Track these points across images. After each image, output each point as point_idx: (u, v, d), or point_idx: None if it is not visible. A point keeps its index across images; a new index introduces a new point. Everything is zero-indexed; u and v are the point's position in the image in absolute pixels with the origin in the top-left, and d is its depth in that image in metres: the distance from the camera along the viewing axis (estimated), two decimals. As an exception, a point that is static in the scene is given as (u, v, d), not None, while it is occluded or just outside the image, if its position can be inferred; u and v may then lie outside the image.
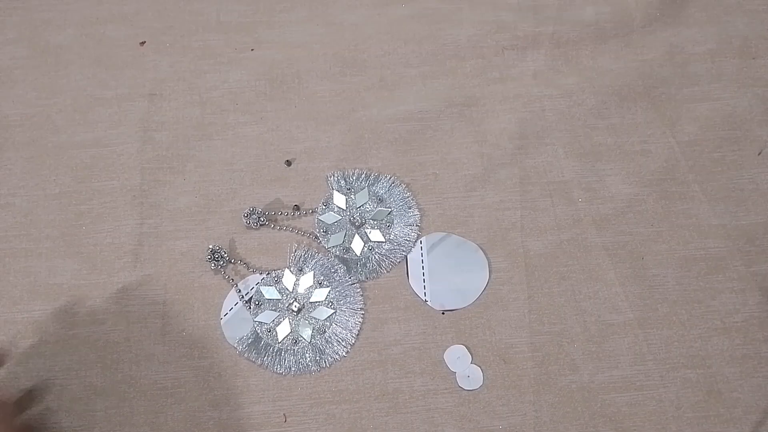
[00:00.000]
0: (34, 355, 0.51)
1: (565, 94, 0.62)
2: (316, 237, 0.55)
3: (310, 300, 0.52)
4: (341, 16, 0.67)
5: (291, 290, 0.52)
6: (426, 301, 0.52)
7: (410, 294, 0.53)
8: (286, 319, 0.52)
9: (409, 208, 0.56)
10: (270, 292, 0.52)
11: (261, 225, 0.55)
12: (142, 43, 0.65)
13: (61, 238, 0.55)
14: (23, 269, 0.54)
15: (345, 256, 0.54)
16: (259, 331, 0.51)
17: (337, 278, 0.53)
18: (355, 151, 0.59)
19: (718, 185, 0.57)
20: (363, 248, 0.54)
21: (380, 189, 0.57)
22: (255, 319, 0.51)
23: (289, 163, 0.58)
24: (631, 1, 0.67)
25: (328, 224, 0.55)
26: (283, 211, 0.56)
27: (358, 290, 0.53)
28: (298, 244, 0.54)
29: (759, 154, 0.59)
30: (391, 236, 0.55)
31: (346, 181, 0.57)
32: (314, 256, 0.54)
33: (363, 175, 0.57)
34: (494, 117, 0.61)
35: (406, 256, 0.54)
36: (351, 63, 0.64)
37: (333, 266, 0.53)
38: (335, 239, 0.54)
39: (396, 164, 0.58)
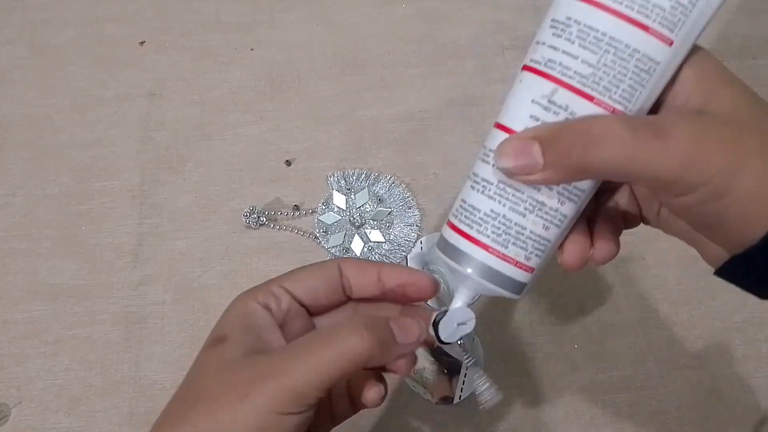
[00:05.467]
0: (34, 355, 0.51)
1: (565, 94, 0.62)
2: (316, 237, 0.55)
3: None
4: (341, 16, 0.67)
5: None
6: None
7: (410, 294, 0.53)
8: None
9: (409, 208, 0.56)
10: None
11: (261, 225, 0.55)
12: (142, 42, 0.65)
13: (60, 238, 0.55)
14: (23, 269, 0.54)
15: (344, 255, 0.54)
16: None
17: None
18: (355, 151, 0.59)
19: (718, 185, 0.57)
20: (363, 248, 0.54)
21: (380, 189, 0.57)
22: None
23: (289, 163, 0.58)
24: (631, 1, 0.67)
25: (328, 224, 0.55)
26: (283, 211, 0.56)
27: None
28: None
29: (759, 154, 0.58)
30: (391, 236, 0.55)
31: (346, 181, 0.57)
32: None
33: (363, 175, 0.57)
34: (494, 117, 0.60)
35: (406, 256, 0.54)
36: (351, 63, 0.64)
37: None
38: (335, 239, 0.54)
39: (396, 164, 0.58)
